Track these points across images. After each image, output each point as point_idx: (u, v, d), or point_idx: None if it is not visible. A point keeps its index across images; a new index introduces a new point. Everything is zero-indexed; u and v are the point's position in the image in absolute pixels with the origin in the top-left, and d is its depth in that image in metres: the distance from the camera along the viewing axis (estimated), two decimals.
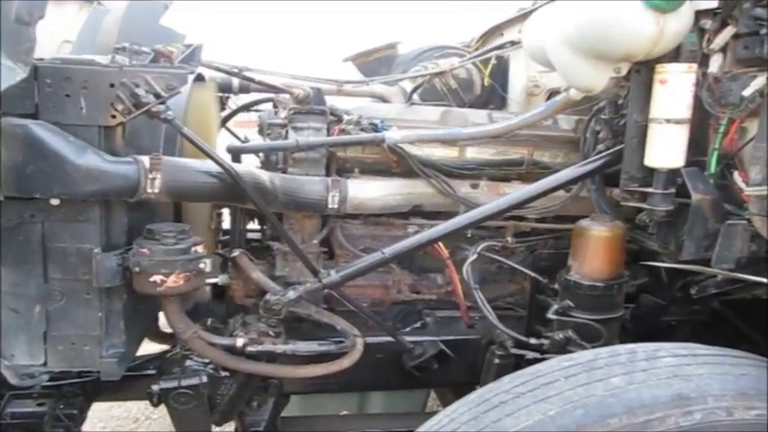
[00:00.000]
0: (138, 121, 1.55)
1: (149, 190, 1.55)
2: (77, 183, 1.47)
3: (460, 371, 2.02)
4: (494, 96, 2.56)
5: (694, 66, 1.49)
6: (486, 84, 2.52)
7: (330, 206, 1.86)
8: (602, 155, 1.79)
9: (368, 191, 1.93)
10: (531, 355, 1.75)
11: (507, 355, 1.87)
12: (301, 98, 2.05)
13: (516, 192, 1.85)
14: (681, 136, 1.51)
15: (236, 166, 1.69)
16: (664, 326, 2.06)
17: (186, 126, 1.79)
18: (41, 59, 1.49)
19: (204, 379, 1.73)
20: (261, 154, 2.06)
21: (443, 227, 1.81)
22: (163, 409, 1.79)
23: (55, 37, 2.31)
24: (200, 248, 1.62)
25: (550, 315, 1.76)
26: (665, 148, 1.52)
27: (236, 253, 1.93)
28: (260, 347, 1.73)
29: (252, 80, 2.21)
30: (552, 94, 2.31)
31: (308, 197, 1.84)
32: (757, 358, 1.30)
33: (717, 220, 1.48)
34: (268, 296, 1.76)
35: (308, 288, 1.77)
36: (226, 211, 2.21)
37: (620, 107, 1.76)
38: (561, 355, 1.38)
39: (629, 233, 1.78)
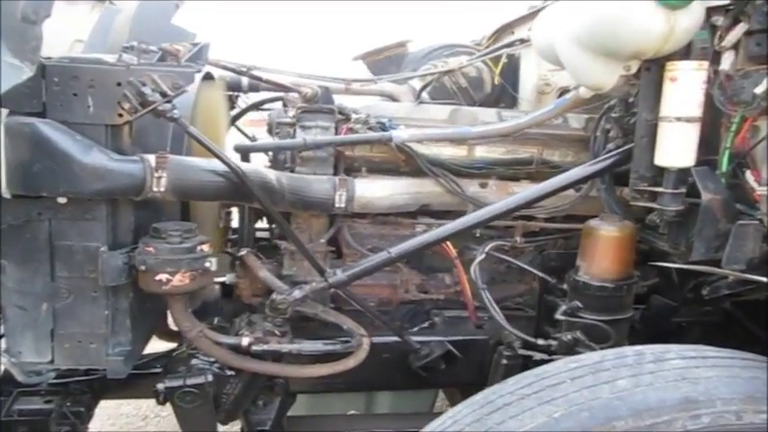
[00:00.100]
0: (145, 119, 1.56)
1: (155, 189, 1.55)
2: (84, 181, 1.48)
3: (468, 371, 2.01)
4: (504, 95, 2.54)
5: (705, 63, 1.46)
6: (496, 82, 2.50)
7: (337, 205, 1.85)
8: (611, 154, 1.77)
9: (375, 190, 1.93)
10: (538, 356, 1.74)
11: (515, 355, 1.85)
12: (309, 97, 2.05)
13: (525, 191, 1.84)
14: (691, 134, 1.48)
15: (243, 165, 1.69)
16: (674, 327, 2.03)
17: (195, 125, 1.80)
18: (49, 58, 1.50)
19: (209, 378, 1.73)
20: (269, 153, 2.06)
21: (451, 226, 1.79)
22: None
23: (67, 36, 2.31)
24: (205, 247, 1.62)
25: (558, 316, 1.74)
26: (676, 146, 1.50)
27: (243, 252, 1.93)
28: (265, 347, 1.73)
29: (259, 79, 2.21)
30: (563, 92, 2.28)
31: (315, 196, 1.84)
32: None
33: (728, 221, 1.46)
34: (274, 295, 1.76)
35: (314, 287, 1.77)
36: (235, 210, 2.22)
37: (630, 105, 1.73)
38: (568, 357, 1.36)
39: (640, 233, 1.75)
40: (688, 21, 1.42)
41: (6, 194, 1.47)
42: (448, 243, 1.95)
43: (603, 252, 1.71)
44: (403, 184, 1.98)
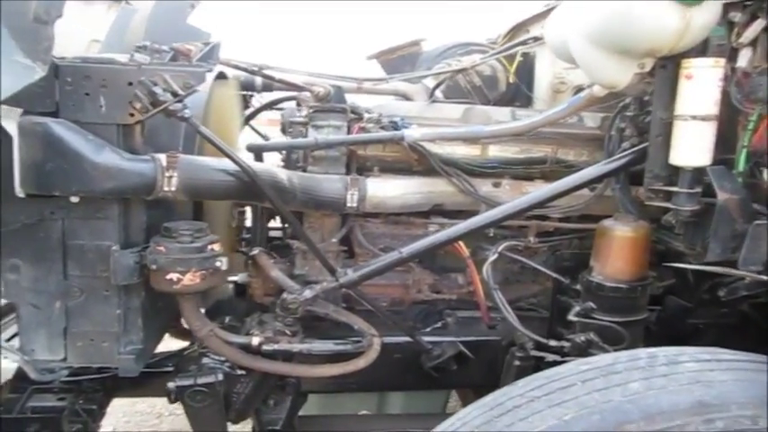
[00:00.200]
0: (157, 119, 1.57)
1: (166, 188, 1.56)
2: (95, 180, 1.49)
3: (480, 372, 1.99)
4: (520, 94, 2.51)
5: (722, 60, 1.43)
6: (511, 81, 2.47)
7: (349, 205, 1.85)
8: (626, 153, 1.74)
9: (387, 189, 1.92)
10: (551, 357, 1.72)
11: (527, 357, 1.83)
12: (322, 96, 2.04)
13: (538, 190, 1.82)
14: (707, 133, 1.45)
15: (255, 165, 1.69)
16: (690, 329, 2.00)
17: (207, 124, 1.80)
18: (62, 58, 1.51)
19: (220, 377, 1.73)
20: (282, 152, 2.06)
21: (463, 226, 1.78)
22: None
23: (84, 36, 2.33)
24: (216, 247, 1.63)
25: (572, 317, 1.72)
26: (691, 145, 1.47)
27: (255, 251, 1.93)
28: (275, 346, 1.73)
29: (272, 78, 2.21)
30: (579, 90, 2.25)
31: (326, 196, 1.83)
32: None
33: (744, 221, 1.43)
34: (285, 295, 1.76)
35: (325, 287, 1.76)
36: (249, 209, 2.22)
37: (645, 104, 1.71)
38: (579, 359, 1.34)
39: (656, 233, 1.73)
40: (704, 17, 1.39)
41: (20, 194, 1.49)
42: (461, 243, 1.94)
43: (617, 252, 1.69)
44: (415, 183, 1.97)
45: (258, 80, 2.37)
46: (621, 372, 1.19)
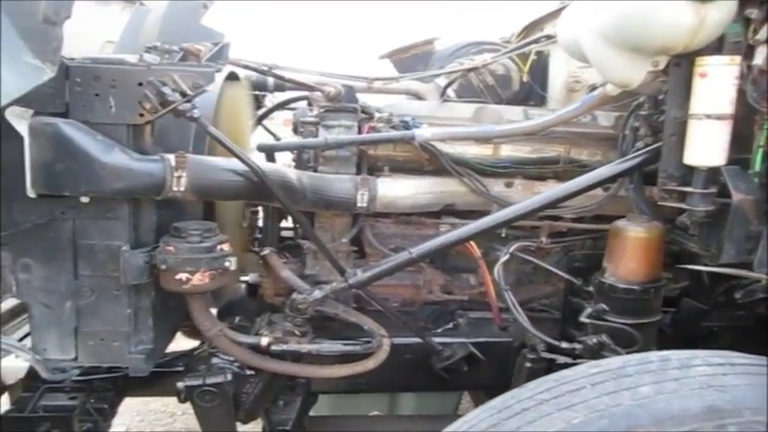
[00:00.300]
0: (167, 119, 1.57)
1: (175, 188, 1.56)
2: (104, 180, 1.49)
3: (491, 374, 1.97)
4: (533, 93, 2.49)
5: (738, 58, 1.40)
6: (524, 80, 2.45)
7: (359, 205, 1.84)
8: (640, 152, 1.71)
9: (398, 189, 1.91)
10: (562, 359, 1.70)
11: (539, 359, 1.81)
12: (332, 96, 2.04)
13: (551, 190, 1.80)
14: (722, 132, 1.42)
15: (264, 165, 1.69)
16: (705, 332, 1.97)
17: (218, 124, 1.81)
18: (72, 59, 1.52)
19: (229, 377, 1.73)
20: (293, 152, 2.06)
21: (474, 226, 1.76)
22: None
23: (98, 37, 2.35)
24: (225, 247, 1.62)
25: (583, 319, 1.70)
26: (706, 145, 1.44)
27: (266, 251, 1.93)
28: (285, 346, 1.72)
29: (282, 78, 2.21)
30: (593, 89, 2.23)
31: (336, 196, 1.82)
32: None
33: (760, 222, 1.40)
34: (294, 295, 1.76)
35: (335, 287, 1.76)
36: (261, 209, 2.22)
37: (659, 103, 1.68)
38: (590, 361, 1.32)
39: (670, 234, 1.70)
40: (719, 13, 1.37)
41: (31, 194, 1.50)
42: (472, 243, 1.92)
43: (631, 253, 1.66)
44: (426, 183, 1.95)
45: (270, 80, 2.37)
46: (632, 375, 1.17)
